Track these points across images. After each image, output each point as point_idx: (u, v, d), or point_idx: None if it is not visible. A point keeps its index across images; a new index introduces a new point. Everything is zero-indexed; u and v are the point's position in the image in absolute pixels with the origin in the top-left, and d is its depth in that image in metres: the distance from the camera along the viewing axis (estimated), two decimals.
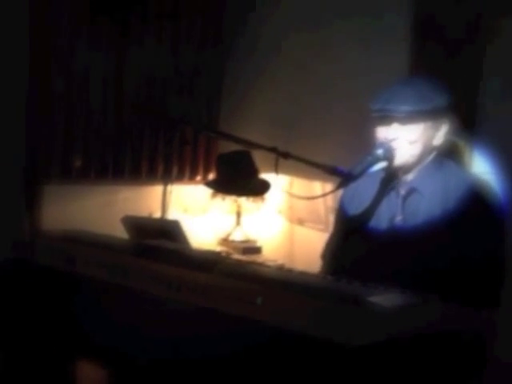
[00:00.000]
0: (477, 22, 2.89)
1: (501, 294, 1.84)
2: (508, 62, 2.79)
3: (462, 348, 1.48)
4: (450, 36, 2.96)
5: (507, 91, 2.79)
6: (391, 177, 1.99)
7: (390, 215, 1.96)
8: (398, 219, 1.94)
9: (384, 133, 1.93)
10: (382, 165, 1.96)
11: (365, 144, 2.00)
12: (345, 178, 1.90)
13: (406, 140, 1.91)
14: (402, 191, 1.96)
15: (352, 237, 2.03)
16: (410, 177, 1.96)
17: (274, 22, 3.75)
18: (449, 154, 2.03)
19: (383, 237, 1.95)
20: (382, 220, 1.97)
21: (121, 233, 1.99)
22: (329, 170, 1.92)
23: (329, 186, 2.28)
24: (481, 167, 2.52)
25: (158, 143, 3.64)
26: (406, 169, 1.95)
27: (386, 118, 1.91)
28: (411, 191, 1.95)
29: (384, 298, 1.37)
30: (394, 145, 1.91)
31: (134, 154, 3.59)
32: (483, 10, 2.87)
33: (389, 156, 1.92)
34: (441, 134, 1.94)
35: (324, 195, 2.08)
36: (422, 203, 1.92)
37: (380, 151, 1.92)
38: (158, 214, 3.31)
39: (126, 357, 1.67)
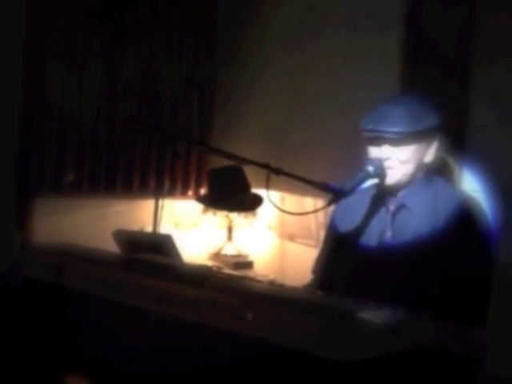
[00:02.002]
0: (468, 38, 2.92)
1: (488, 311, 1.84)
2: (498, 79, 2.82)
3: (452, 365, 1.48)
4: (441, 52, 2.99)
5: (497, 109, 2.82)
6: (382, 194, 2.00)
7: (380, 231, 1.97)
8: (388, 235, 1.95)
9: (376, 153, 1.94)
10: (373, 181, 1.98)
11: (356, 160, 2.01)
12: (336, 195, 1.91)
13: (397, 160, 1.92)
14: (392, 207, 1.97)
15: (342, 252, 2.04)
16: (399, 193, 1.97)
17: (266, 38, 3.78)
18: (438, 171, 2.05)
19: (373, 253, 1.96)
20: (371, 236, 1.98)
21: (112, 247, 1.99)
22: (320, 187, 1.93)
23: (320, 202, 2.29)
24: (470, 185, 2.53)
25: (150, 157, 3.65)
26: (398, 187, 1.96)
27: (377, 139, 1.92)
28: (400, 207, 1.96)
29: (374, 315, 1.38)
30: (386, 165, 1.92)
31: (125, 168, 3.59)
32: (475, 22, 2.90)
33: (379, 173, 1.94)
34: (431, 151, 1.96)
35: (315, 211, 2.09)
36: (410, 219, 1.93)
37: (371, 168, 1.93)
38: (149, 228, 3.30)
39: (116, 370, 1.67)
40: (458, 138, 2.80)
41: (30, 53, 3.23)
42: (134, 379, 1.62)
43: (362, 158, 1.98)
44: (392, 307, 1.48)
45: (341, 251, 2.05)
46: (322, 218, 3.33)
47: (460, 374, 1.54)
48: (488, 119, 2.85)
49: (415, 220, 1.92)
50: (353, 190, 1.92)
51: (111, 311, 1.68)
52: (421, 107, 1.94)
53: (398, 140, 1.89)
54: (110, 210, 3.50)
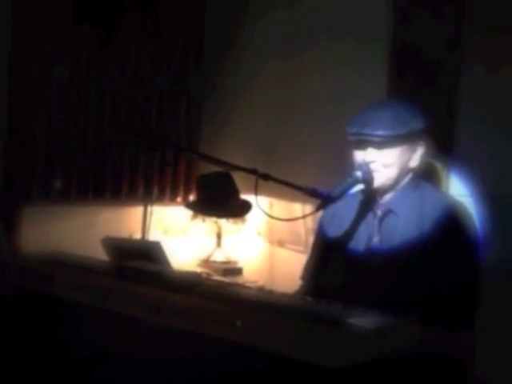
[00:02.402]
0: (453, 46, 2.94)
1: (475, 316, 1.85)
2: (483, 84, 2.84)
3: (440, 370, 1.49)
4: (427, 59, 3.01)
5: (483, 114, 2.84)
6: (369, 198, 2.01)
7: (368, 236, 1.97)
8: (375, 240, 1.96)
9: (361, 156, 1.95)
10: (360, 187, 1.99)
11: (344, 166, 2.02)
12: (324, 200, 1.91)
13: (381, 164, 1.92)
14: (379, 212, 1.98)
15: (331, 258, 2.04)
16: (386, 198, 1.98)
17: (254, 45, 3.79)
18: (425, 176, 2.06)
19: (361, 258, 1.96)
20: (359, 241, 1.99)
21: (101, 254, 1.99)
22: (308, 192, 1.93)
23: (309, 208, 2.30)
24: (457, 189, 2.55)
25: (138, 164, 3.64)
26: (383, 191, 1.97)
27: (362, 142, 1.93)
28: (387, 212, 1.97)
29: (363, 320, 1.38)
30: (371, 168, 1.93)
31: (114, 175, 3.58)
32: (460, 33, 2.93)
33: (367, 178, 1.94)
34: (417, 155, 1.96)
35: (303, 217, 2.09)
36: (398, 224, 1.94)
37: (359, 173, 1.94)
38: (138, 235, 3.29)
39: (106, 378, 1.66)
40: (446, 143, 2.82)
41: (16, 60, 3.22)
42: None
43: (349, 164, 1.99)
44: (380, 312, 1.48)
45: (329, 257, 2.05)
46: (310, 223, 3.34)
47: (448, 377, 1.54)
48: (475, 125, 2.87)
49: (402, 225, 1.93)
50: (341, 195, 1.93)
51: (100, 319, 1.68)
52: (406, 111, 1.95)
53: (382, 143, 1.90)
54: (99, 217, 3.49)
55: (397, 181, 1.96)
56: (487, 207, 2.44)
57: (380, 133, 1.89)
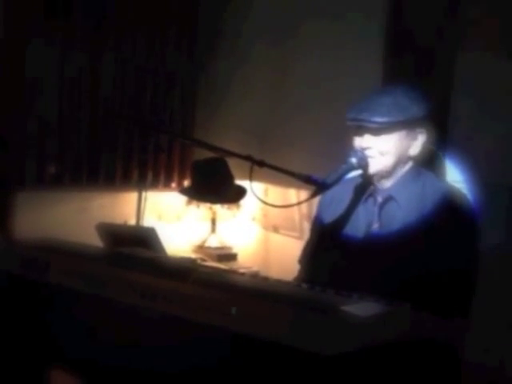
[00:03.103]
0: (449, 32, 2.93)
1: (472, 302, 1.86)
2: (479, 72, 2.83)
3: (433, 356, 1.49)
4: (423, 45, 3.00)
5: (478, 99, 2.84)
6: (367, 184, 2.00)
7: (367, 223, 1.97)
8: (375, 227, 1.96)
9: (358, 142, 1.95)
10: (358, 172, 1.98)
11: (339, 151, 2.01)
12: (319, 187, 1.91)
13: (377, 150, 1.92)
14: (379, 199, 1.97)
15: (329, 243, 2.04)
16: (387, 185, 1.98)
17: (247, 30, 3.77)
18: (426, 164, 2.05)
19: (360, 244, 1.96)
20: (359, 227, 1.98)
21: (95, 240, 1.98)
22: (303, 179, 1.92)
23: (304, 194, 2.30)
24: (452, 176, 2.55)
25: (132, 150, 3.63)
26: (380, 177, 1.96)
27: (360, 128, 1.93)
28: (388, 199, 1.96)
29: (357, 307, 1.38)
30: (367, 154, 1.93)
31: (108, 161, 3.57)
32: (456, 18, 2.92)
33: (363, 164, 1.94)
34: (418, 143, 1.95)
35: (298, 204, 2.09)
36: (398, 211, 1.94)
37: (354, 160, 1.94)
38: (132, 221, 3.30)
39: (101, 366, 1.67)
40: (441, 129, 2.82)
41: (7, 43, 3.19)
42: (118, 374, 1.61)
43: (345, 149, 1.99)
44: (375, 299, 1.48)
45: (327, 241, 2.05)
46: (305, 209, 3.34)
47: (442, 363, 1.55)
48: (469, 109, 2.87)
49: (402, 212, 1.93)
50: (336, 182, 1.92)
51: (94, 306, 1.67)
52: (405, 98, 1.93)
53: (379, 130, 1.89)
54: (93, 203, 3.48)
55: (394, 168, 1.95)
56: (481, 194, 2.44)
57: (376, 119, 1.88)
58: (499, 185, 2.68)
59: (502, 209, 2.67)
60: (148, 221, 3.28)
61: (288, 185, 3.19)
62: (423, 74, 2.97)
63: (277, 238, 3.74)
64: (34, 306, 1.82)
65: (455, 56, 2.91)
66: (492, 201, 2.59)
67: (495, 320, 2.58)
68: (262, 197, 2.81)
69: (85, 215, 3.34)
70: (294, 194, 3.23)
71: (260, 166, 2.02)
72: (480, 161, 2.69)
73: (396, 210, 1.94)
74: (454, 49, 2.91)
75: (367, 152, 1.92)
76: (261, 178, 2.20)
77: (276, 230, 3.74)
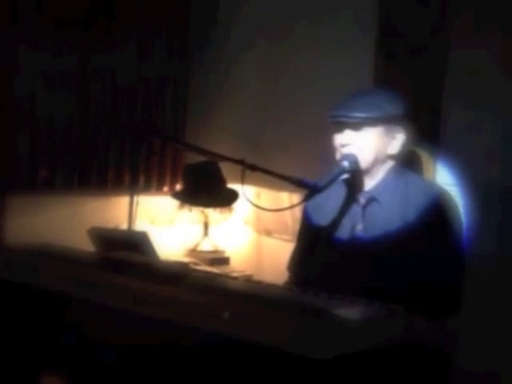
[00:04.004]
0: (441, 31, 2.94)
1: (460, 304, 1.86)
2: (471, 70, 2.84)
3: (425, 359, 1.50)
4: (413, 44, 3.01)
5: (470, 101, 2.84)
6: (351, 186, 2.02)
7: (352, 224, 1.98)
8: (359, 228, 1.97)
9: (338, 139, 1.98)
10: (344, 175, 1.99)
11: (332, 155, 2.02)
12: (311, 190, 1.91)
13: (357, 147, 1.94)
14: (362, 200, 1.99)
15: (316, 247, 2.05)
16: (369, 186, 1.99)
17: (238, 32, 3.77)
18: (410, 165, 2.06)
19: (345, 246, 1.97)
20: (344, 229, 2.00)
21: (87, 244, 1.97)
22: (295, 182, 1.93)
23: (296, 197, 2.30)
24: (443, 178, 2.55)
25: (124, 154, 3.62)
26: (360, 176, 1.97)
27: (340, 125, 1.97)
28: (370, 200, 1.98)
29: (349, 311, 1.39)
30: (346, 150, 1.94)
31: (100, 165, 3.56)
32: (446, 18, 2.92)
33: (354, 167, 1.95)
34: (396, 142, 1.98)
35: (290, 207, 2.09)
36: (381, 212, 1.95)
37: (346, 163, 1.95)
38: (124, 225, 3.28)
39: (92, 370, 1.66)
40: (432, 131, 2.83)
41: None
42: (110, 379, 1.61)
43: (331, 149, 2.01)
44: (366, 303, 1.48)
45: (314, 245, 2.06)
46: (298, 213, 3.32)
47: (432, 368, 1.55)
48: (461, 112, 2.88)
49: (385, 213, 1.94)
50: (328, 185, 1.93)
51: (86, 310, 1.67)
52: (384, 96, 1.98)
53: (358, 125, 1.93)
54: (85, 207, 3.46)
55: (373, 166, 1.97)
56: (473, 196, 2.44)
57: (355, 114, 1.92)
58: (492, 185, 2.68)
59: (494, 210, 2.67)
60: (140, 225, 3.26)
61: (280, 188, 3.19)
62: (414, 72, 2.98)
63: (269, 242, 3.74)
64: (25, 310, 1.81)
65: (446, 56, 2.91)
66: (485, 202, 2.60)
67: (488, 326, 2.58)
68: (255, 200, 2.81)
69: (76, 219, 3.32)
70: (287, 198, 3.23)
71: (252, 170, 2.03)
72: (472, 162, 2.69)
73: (379, 210, 1.95)
74: (445, 49, 2.91)
75: (347, 149, 1.94)
76: (253, 182, 2.21)
77: (269, 233, 3.74)
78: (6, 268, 1.87)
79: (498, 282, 2.49)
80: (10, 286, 1.85)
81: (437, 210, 1.89)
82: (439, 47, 2.93)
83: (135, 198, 2.64)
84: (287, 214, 3.48)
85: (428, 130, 2.02)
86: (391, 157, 1.98)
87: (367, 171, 1.97)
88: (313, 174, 1.98)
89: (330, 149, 2.05)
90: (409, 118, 1.99)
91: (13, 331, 1.85)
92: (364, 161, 1.95)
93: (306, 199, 1.95)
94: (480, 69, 2.79)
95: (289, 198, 3.16)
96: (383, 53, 3.10)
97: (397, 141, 1.97)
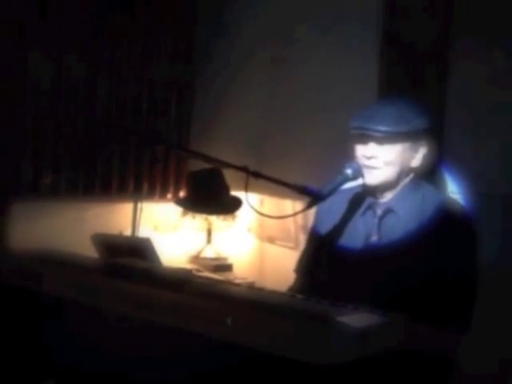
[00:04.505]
0: (443, 42, 2.95)
1: (471, 317, 1.86)
2: (472, 80, 2.85)
3: (428, 367, 1.49)
4: (418, 52, 3.02)
5: (473, 114, 2.85)
6: (365, 195, 2.00)
7: (366, 234, 1.97)
8: (374, 239, 1.95)
9: (361, 151, 1.94)
10: (357, 182, 1.98)
11: (335, 162, 2.02)
12: (314, 198, 1.91)
13: (382, 161, 1.92)
14: (379, 211, 1.97)
15: (326, 254, 2.04)
16: (387, 197, 1.98)
17: (243, 39, 3.78)
18: (425, 176, 2.05)
19: (358, 256, 1.96)
20: (357, 239, 1.98)
21: (91, 251, 1.98)
22: (298, 190, 1.93)
23: (299, 205, 2.29)
24: (449, 188, 2.56)
25: (128, 160, 3.63)
26: (384, 189, 1.97)
27: (364, 137, 1.93)
28: (387, 211, 1.96)
29: (353, 318, 1.39)
30: (371, 164, 1.93)
31: (104, 171, 3.57)
32: (449, 30, 2.93)
33: (358, 176, 1.95)
34: (419, 156, 1.96)
35: (294, 214, 2.09)
36: (397, 224, 1.93)
37: (349, 171, 1.94)
38: (128, 232, 3.29)
39: (94, 377, 1.66)
40: (435, 141, 2.83)
41: (3, 56, 3.20)
42: None
43: (340, 160, 1.99)
44: (370, 310, 1.48)
45: (324, 252, 2.05)
46: (301, 220, 3.35)
47: (436, 375, 1.55)
48: (464, 123, 2.88)
49: (402, 224, 1.92)
50: (331, 193, 1.93)
51: (89, 317, 1.67)
52: (409, 109, 1.95)
53: (385, 139, 1.90)
54: (89, 213, 3.47)
55: (397, 180, 1.96)
56: (475, 205, 2.45)
57: (383, 128, 1.88)
58: (492, 195, 2.68)
59: (496, 218, 2.68)
60: (144, 231, 3.28)
61: (284, 196, 3.19)
62: (419, 84, 2.99)
63: (272, 249, 3.74)
64: (29, 316, 1.82)
65: (448, 68, 2.92)
66: (488, 211, 2.60)
67: (495, 333, 2.58)
68: (258, 208, 2.82)
69: (80, 226, 3.33)
70: (290, 205, 3.24)
71: (256, 177, 2.03)
72: (475, 172, 2.70)
73: (396, 222, 1.94)
74: (447, 60, 2.92)
75: (371, 162, 1.92)
76: (256, 189, 2.21)
77: (271, 240, 3.74)
78: (10, 273, 1.87)
79: (500, 291, 2.49)
80: (13, 291, 1.85)
81: (453, 223, 1.88)
82: (443, 55, 2.94)
83: (139, 205, 2.66)
84: (290, 221, 3.48)
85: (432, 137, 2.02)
86: (412, 169, 1.98)
87: (391, 185, 1.96)
88: (316, 181, 1.98)
89: (333, 156, 2.05)
90: (432, 131, 1.97)
91: (16, 336, 1.85)
92: (389, 175, 1.93)
93: (309, 207, 1.94)
94: (483, 80, 2.80)
95: (292, 206, 3.17)
96: (387, 61, 3.11)
97: (419, 154, 1.96)
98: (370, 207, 1.99)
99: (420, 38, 3.00)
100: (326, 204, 2.01)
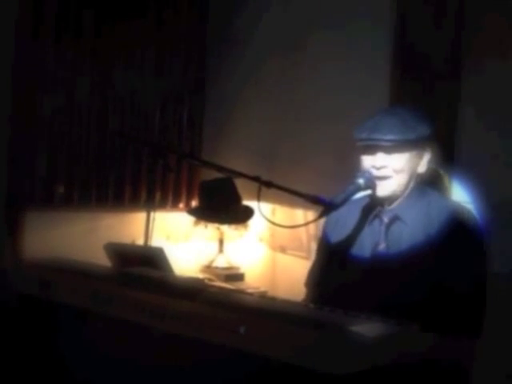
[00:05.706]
0: (456, 52, 2.95)
1: (482, 323, 1.85)
2: (483, 91, 2.84)
3: (441, 377, 1.49)
4: (430, 60, 3.02)
5: (483, 121, 2.85)
6: (375, 205, 2.01)
7: (373, 243, 1.97)
8: (381, 247, 1.96)
9: (370, 161, 1.95)
10: (365, 192, 1.99)
11: (347, 172, 2.02)
12: (326, 207, 1.91)
13: (392, 169, 1.93)
14: (386, 219, 1.97)
15: (335, 264, 2.04)
16: (393, 205, 1.98)
17: (253, 48, 3.80)
18: (430, 183, 2.05)
19: (366, 264, 1.96)
20: (365, 247, 1.98)
21: (104, 260, 1.99)
22: (310, 199, 1.93)
23: (311, 214, 2.31)
24: (459, 196, 2.55)
25: (141, 170, 3.65)
26: (394, 198, 1.97)
27: (372, 147, 1.94)
28: (394, 219, 1.96)
29: (366, 327, 1.39)
30: (382, 174, 1.94)
31: (117, 181, 3.59)
32: (460, 41, 2.94)
33: (370, 185, 1.95)
34: (424, 161, 1.97)
35: (305, 224, 2.09)
36: (404, 231, 1.94)
37: (361, 180, 1.94)
38: (140, 241, 3.30)
39: None
40: (447, 150, 2.82)
41: (19, 65, 3.24)
42: None
43: (352, 168, 2.00)
44: (383, 319, 1.48)
45: (333, 263, 2.05)
46: (312, 229, 3.34)
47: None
48: (476, 131, 2.88)
49: (409, 232, 1.93)
50: (343, 202, 1.93)
51: (102, 326, 1.68)
52: (412, 117, 1.96)
53: (392, 148, 1.91)
54: (101, 223, 3.49)
55: (406, 187, 1.97)
56: (488, 214, 2.44)
57: (390, 137, 1.90)
58: (507, 203, 2.67)
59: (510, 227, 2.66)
60: (156, 241, 3.27)
61: (295, 205, 3.20)
62: (430, 92, 2.98)
63: (284, 259, 3.74)
64: (44, 325, 1.83)
65: (460, 77, 2.92)
66: (500, 220, 2.59)
67: (504, 339, 2.56)
68: (270, 217, 2.82)
69: (93, 235, 3.35)
70: (302, 215, 3.24)
71: (268, 187, 2.03)
72: (487, 179, 2.69)
73: (402, 229, 1.94)
74: (459, 70, 2.92)
75: (382, 171, 1.93)
76: (268, 199, 2.21)
77: (283, 250, 3.74)
78: (24, 282, 1.89)
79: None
80: (27, 300, 1.86)
81: (460, 229, 1.88)
82: (455, 65, 2.94)
83: (151, 214, 2.66)
84: (302, 230, 3.48)
85: (443, 145, 2.02)
86: (419, 175, 1.98)
87: (401, 193, 1.96)
88: (328, 190, 1.98)
89: (345, 166, 2.05)
90: (435, 136, 1.99)
91: (30, 345, 1.86)
92: (400, 183, 1.94)
93: (321, 216, 1.95)
94: (495, 89, 2.80)
95: (304, 215, 3.17)
96: (399, 69, 3.11)
97: (424, 160, 1.98)
98: (377, 215, 1.99)
99: (432, 46, 3.00)
100: (333, 215, 2.01)
